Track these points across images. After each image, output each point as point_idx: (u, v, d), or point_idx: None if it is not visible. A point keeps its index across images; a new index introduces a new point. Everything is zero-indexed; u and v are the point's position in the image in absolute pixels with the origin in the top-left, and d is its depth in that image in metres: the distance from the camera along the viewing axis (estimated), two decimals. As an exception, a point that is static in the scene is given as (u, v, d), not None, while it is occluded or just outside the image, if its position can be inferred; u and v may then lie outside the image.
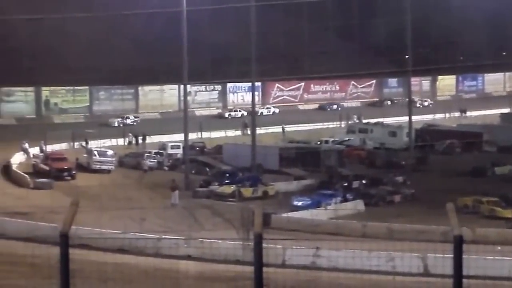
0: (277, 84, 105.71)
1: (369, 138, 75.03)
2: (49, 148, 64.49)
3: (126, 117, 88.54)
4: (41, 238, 30.18)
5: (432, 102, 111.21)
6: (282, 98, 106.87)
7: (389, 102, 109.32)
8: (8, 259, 25.60)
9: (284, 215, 43.51)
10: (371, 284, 25.26)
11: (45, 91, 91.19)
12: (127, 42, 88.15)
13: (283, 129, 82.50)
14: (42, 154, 61.04)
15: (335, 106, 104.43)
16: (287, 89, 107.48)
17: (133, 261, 27.21)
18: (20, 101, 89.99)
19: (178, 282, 23.85)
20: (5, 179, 53.67)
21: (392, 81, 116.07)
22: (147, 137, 74.02)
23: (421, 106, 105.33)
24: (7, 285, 22.41)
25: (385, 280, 25.73)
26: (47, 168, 55.06)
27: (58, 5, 79.25)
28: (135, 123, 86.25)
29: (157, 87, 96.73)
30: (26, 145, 63.63)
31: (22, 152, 62.92)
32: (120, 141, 73.03)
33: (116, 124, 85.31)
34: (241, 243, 30.48)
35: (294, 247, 31.43)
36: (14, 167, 56.43)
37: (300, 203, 47.82)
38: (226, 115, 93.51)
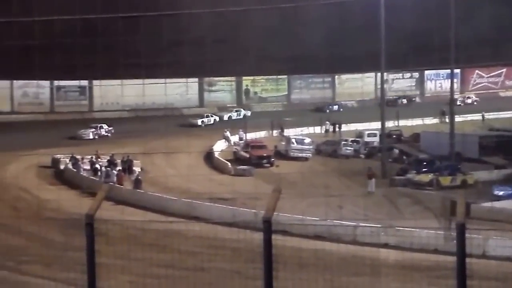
0: (476, 71, 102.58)
1: None
2: (249, 136, 66.32)
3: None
4: (242, 223, 31.21)
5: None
6: (482, 85, 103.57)
7: None
8: (212, 243, 26.64)
9: (485, 204, 42.30)
10: None
11: (246, 81, 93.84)
12: (326, 30, 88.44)
13: (483, 116, 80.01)
14: (242, 141, 62.85)
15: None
16: (487, 75, 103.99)
17: (330, 247, 27.53)
18: (222, 90, 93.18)
19: (376, 269, 23.86)
20: (208, 166, 55.77)
21: None
22: (343, 125, 74.26)
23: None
24: (212, 268, 23.36)
25: None
26: (247, 155, 56.62)
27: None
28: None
29: (354, 75, 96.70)
30: (228, 133, 65.79)
31: (224, 140, 65.11)
32: (318, 129, 73.71)
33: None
34: (440, 232, 30.01)
35: (496, 237, 30.54)
36: (216, 154, 58.51)
37: (501, 193, 46.32)
38: (199, 122, 78.35)
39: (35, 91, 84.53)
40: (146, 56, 77.53)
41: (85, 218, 8.78)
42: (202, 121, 78.26)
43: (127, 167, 47.94)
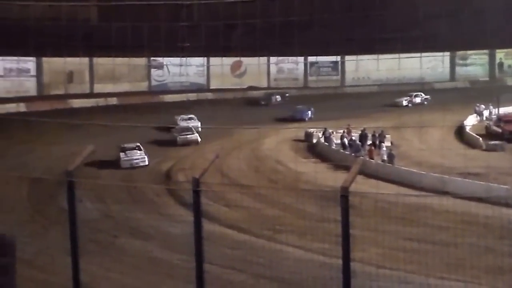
0: None
1: None
2: (503, 110, 64.22)
3: None
4: (494, 199, 30.66)
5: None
6: None
7: None
8: (463, 218, 26.48)
9: None
10: None
11: (500, 53, 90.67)
12: None
13: None
14: (494, 116, 61.12)
15: None
16: None
17: None
18: (475, 64, 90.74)
19: None
20: (458, 141, 54.90)
21: None
22: None
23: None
24: (463, 243, 23.28)
25: None
26: (499, 130, 55.07)
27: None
28: None
29: None
30: (481, 108, 64.27)
31: (475, 115, 63.67)
32: None
33: None
34: None
35: None
36: (467, 129, 57.41)
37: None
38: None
39: (290, 67, 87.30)
40: (401, 30, 77.37)
41: (340, 190, 9.24)
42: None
43: (378, 141, 48.37)
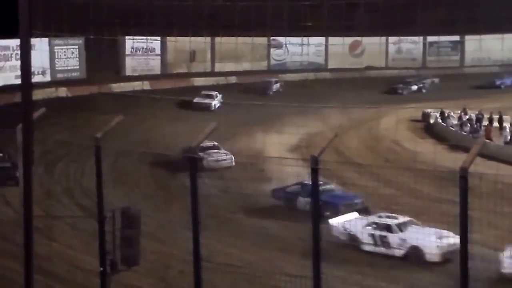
0: None
1: None
2: None
3: None
4: None
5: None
6: None
7: None
8: None
9: None
10: None
11: None
12: None
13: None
14: None
15: None
16: None
17: None
18: None
19: None
20: None
21: None
22: None
23: None
24: None
25: None
26: None
27: None
28: None
29: None
30: None
31: None
32: None
33: None
34: None
35: None
36: None
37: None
38: None
39: (408, 47, 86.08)
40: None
41: (459, 171, 9.27)
42: None
43: (498, 122, 47.37)
